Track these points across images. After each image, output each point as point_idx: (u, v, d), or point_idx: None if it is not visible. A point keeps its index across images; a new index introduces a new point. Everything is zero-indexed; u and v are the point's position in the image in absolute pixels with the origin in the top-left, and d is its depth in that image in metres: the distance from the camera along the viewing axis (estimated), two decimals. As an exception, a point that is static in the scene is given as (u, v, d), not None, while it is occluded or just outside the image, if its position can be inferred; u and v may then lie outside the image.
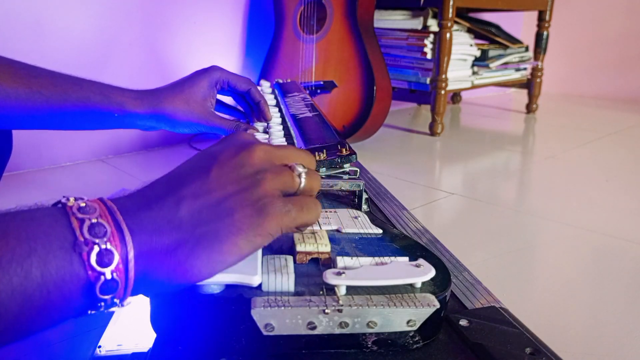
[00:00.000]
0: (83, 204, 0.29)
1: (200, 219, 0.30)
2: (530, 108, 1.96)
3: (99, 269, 0.27)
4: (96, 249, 0.27)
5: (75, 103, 0.58)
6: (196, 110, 0.64)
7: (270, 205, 0.31)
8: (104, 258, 0.27)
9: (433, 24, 1.58)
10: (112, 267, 0.28)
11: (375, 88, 1.32)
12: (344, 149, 0.55)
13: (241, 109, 0.74)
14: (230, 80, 0.68)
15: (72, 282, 0.27)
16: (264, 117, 0.69)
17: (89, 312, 0.29)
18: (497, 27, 1.85)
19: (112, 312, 0.45)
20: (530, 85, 1.92)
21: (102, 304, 0.28)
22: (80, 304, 0.28)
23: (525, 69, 1.92)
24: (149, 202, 0.31)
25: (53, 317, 0.28)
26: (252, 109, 0.71)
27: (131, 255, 0.28)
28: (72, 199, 0.29)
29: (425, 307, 0.34)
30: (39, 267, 0.26)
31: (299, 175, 0.34)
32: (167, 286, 0.30)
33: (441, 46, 1.50)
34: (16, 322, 0.26)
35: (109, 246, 0.28)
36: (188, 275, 0.30)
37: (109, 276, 0.27)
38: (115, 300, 0.29)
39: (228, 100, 0.73)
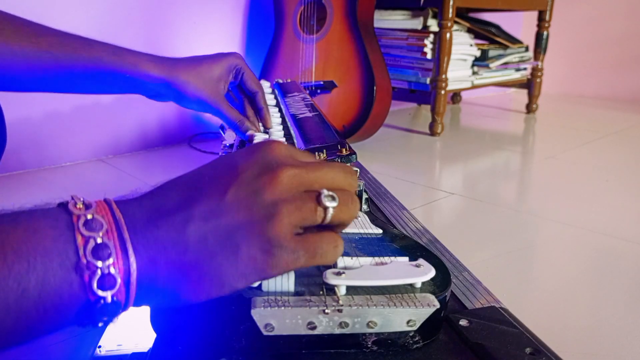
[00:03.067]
0: (90, 216, 0.27)
1: (206, 246, 0.29)
2: (530, 108, 1.96)
3: (99, 293, 0.26)
4: (98, 272, 0.26)
5: (86, 63, 0.55)
6: (208, 88, 0.62)
7: (279, 250, 0.29)
8: (106, 283, 0.26)
9: (433, 24, 1.58)
10: (114, 291, 0.27)
11: (375, 88, 1.32)
12: (344, 149, 0.55)
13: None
14: (245, 73, 0.67)
15: (70, 302, 0.26)
16: (263, 124, 0.68)
17: (87, 326, 0.28)
18: (497, 27, 1.85)
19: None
20: (530, 85, 1.92)
21: (101, 323, 0.28)
22: (77, 321, 0.28)
23: (525, 69, 1.92)
24: (159, 217, 0.29)
25: (49, 330, 0.27)
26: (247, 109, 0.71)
27: (133, 277, 0.27)
28: (79, 205, 0.28)
29: (425, 307, 0.34)
30: (37, 285, 0.25)
31: (325, 209, 0.30)
32: (166, 303, 0.30)
33: (441, 46, 1.50)
34: (11, 333, 0.26)
35: (112, 270, 0.26)
36: (187, 299, 0.30)
37: (109, 300, 0.27)
38: (114, 319, 0.28)
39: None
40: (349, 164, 0.56)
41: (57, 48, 0.53)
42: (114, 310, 0.27)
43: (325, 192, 0.30)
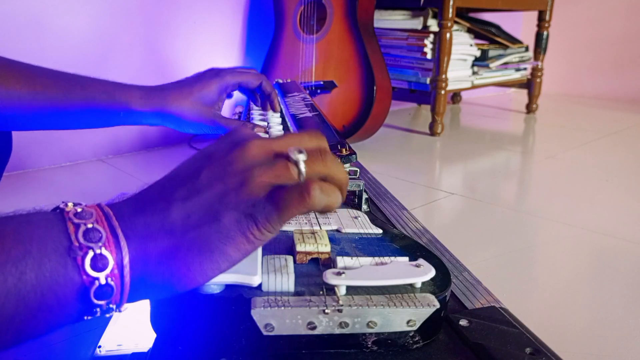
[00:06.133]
0: (80, 210, 0.29)
1: (190, 223, 0.30)
2: (530, 108, 1.96)
3: (93, 273, 0.27)
4: (90, 253, 0.27)
5: (79, 103, 0.57)
6: (203, 113, 0.63)
7: (257, 209, 0.30)
8: (98, 263, 0.27)
9: (433, 24, 1.58)
10: (107, 272, 0.28)
11: (375, 88, 1.32)
12: (344, 149, 0.55)
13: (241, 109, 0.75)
14: (242, 82, 0.67)
15: (66, 286, 0.27)
16: (272, 108, 0.71)
17: (85, 317, 0.29)
18: (497, 27, 1.85)
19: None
20: (530, 85, 1.92)
21: (98, 309, 0.28)
22: (75, 308, 0.28)
23: (525, 69, 1.92)
24: (143, 206, 0.30)
25: (48, 322, 0.28)
26: (258, 99, 0.73)
27: (126, 260, 0.28)
28: (70, 204, 0.29)
29: (425, 307, 0.34)
30: (33, 269, 0.26)
31: (296, 163, 0.30)
32: (165, 292, 0.30)
33: (441, 46, 1.50)
34: (11, 325, 0.26)
35: (103, 251, 0.27)
36: (183, 282, 0.30)
37: (103, 281, 0.27)
38: (111, 305, 0.29)
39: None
40: (348, 164, 0.56)
41: (51, 90, 0.56)
42: (109, 294, 0.28)
43: (292, 148, 0.30)
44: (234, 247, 0.30)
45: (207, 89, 0.63)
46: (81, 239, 0.27)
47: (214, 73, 0.65)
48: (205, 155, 0.32)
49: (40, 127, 0.59)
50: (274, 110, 0.71)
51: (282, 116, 0.73)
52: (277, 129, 0.67)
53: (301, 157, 0.30)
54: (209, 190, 0.30)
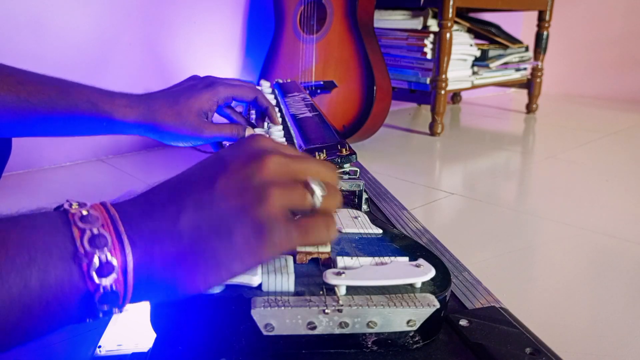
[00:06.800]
0: (85, 212, 0.28)
1: (200, 234, 0.29)
2: (530, 108, 1.96)
3: (98, 280, 0.27)
4: (96, 260, 0.27)
5: (62, 111, 0.56)
6: (190, 127, 0.61)
7: (271, 229, 0.29)
8: (104, 269, 0.27)
9: (433, 24, 1.58)
10: (112, 278, 0.27)
11: (375, 88, 1.32)
12: (344, 149, 0.55)
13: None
14: (235, 95, 0.64)
15: (71, 292, 0.27)
16: (271, 122, 0.68)
17: (87, 320, 0.29)
18: (497, 27, 1.85)
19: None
20: (530, 85, 1.92)
21: (101, 313, 0.28)
22: (78, 313, 0.28)
23: (525, 69, 1.92)
24: (151, 210, 0.30)
25: (51, 325, 0.28)
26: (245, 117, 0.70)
27: (130, 266, 0.28)
28: (75, 205, 0.29)
29: (425, 307, 0.34)
30: (38, 277, 0.26)
31: (314, 195, 0.31)
32: (166, 295, 0.30)
33: (441, 46, 1.50)
34: (14, 330, 0.26)
35: (109, 257, 0.27)
36: (186, 288, 0.30)
37: (108, 287, 0.27)
38: (113, 309, 0.28)
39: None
40: (348, 164, 0.56)
41: (35, 96, 0.54)
42: (113, 300, 0.28)
43: (312, 179, 0.31)
44: (241, 262, 0.30)
45: (196, 101, 0.61)
46: (86, 246, 0.27)
47: (206, 84, 0.63)
48: (222, 161, 0.32)
49: (25, 133, 0.58)
50: (274, 123, 0.68)
51: (282, 116, 0.73)
52: (277, 128, 0.67)
53: (319, 191, 0.31)
54: (223, 203, 0.30)
